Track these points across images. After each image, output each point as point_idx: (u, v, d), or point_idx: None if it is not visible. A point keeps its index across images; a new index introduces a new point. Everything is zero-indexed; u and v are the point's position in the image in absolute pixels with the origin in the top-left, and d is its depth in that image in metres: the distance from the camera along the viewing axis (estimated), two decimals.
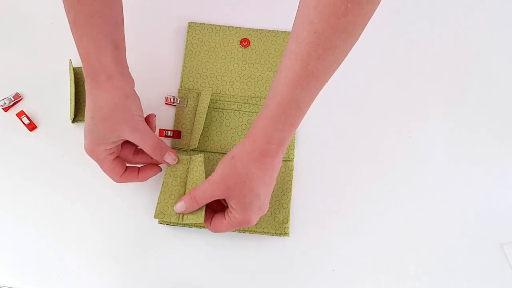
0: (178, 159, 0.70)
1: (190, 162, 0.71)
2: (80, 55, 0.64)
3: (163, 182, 0.69)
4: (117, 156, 0.68)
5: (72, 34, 0.64)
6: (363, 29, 0.55)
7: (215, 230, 0.67)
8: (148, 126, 0.68)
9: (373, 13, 0.55)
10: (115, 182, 0.69)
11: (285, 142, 0.62)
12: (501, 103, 0.82)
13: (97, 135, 0.65)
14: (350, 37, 0.55)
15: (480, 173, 0.78)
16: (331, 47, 0.54)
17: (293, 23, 0.57)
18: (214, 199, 0.66)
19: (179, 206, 0.67)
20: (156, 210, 0.68)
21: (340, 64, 0.58)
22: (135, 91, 0.67)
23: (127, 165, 0.70)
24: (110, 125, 0.64)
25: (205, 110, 0.75)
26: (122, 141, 0.67)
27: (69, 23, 0.63)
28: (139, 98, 0.67)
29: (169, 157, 0.69)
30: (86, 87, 0.65)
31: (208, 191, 0.65)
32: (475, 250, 0.74)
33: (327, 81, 0.59)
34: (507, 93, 0.83)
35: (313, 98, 0.60)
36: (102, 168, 0.68)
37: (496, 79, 0.83)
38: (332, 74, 0.59)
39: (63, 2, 0.63)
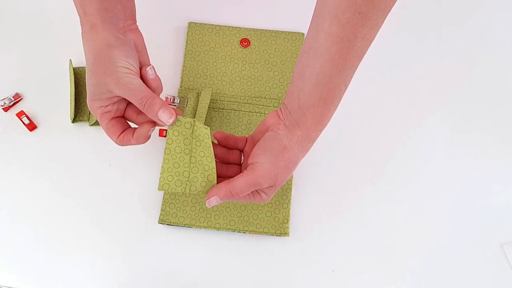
0: (178, 119, 0.61)
1: (193, 126, 0.62)
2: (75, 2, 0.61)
3: (165, 149, 0.61)
4: (118, 116, 0.63)
5: None
6: (392, 6, 0.55)
7: (239, 199, 0.62)
8: (138, 79, 0.60)
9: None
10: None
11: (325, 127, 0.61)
12: (501, 103, 0.82)
13: (90, 91, 0.61)
14: (386, 14, 0.54)
15: (480, 173, 0.78)
16: (374, 26, 0.54)
17: (322, 7, 0.55)
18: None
19: (214, 201, 0.61)
20: (160, 181, 0.61)
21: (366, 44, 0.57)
22: (124, 40, 0.61)
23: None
24: (96, 78, 0.59)
25: (205, 110, 0.75)
26: (117, 98, 0.61)
27: None
28: (130, 48, 0.61)
29: (164, 114, 0.59)
30: (84, 31, 0.61)
31: (253, 184, 0.60)
32: (475, 250, 0.74)
33: (345, 88, 0.59)
34: (507, 93, 0.83)
35: (351, 79, 0.59)
36: (104, 129, 0.63)
37: (496, 79, 0.83)
38: (351, 78, 0.59)
39: None
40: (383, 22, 0.55)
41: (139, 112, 0.62)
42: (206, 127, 0.61)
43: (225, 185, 0.60)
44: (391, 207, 0.75)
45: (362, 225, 0.74)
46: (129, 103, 0.63)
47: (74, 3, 0.60)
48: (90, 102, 0.61)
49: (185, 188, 0.61)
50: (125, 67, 0.59)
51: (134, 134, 0.62)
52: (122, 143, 0.62)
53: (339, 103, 0.60)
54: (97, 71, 0.59)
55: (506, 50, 0.85)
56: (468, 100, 0.82)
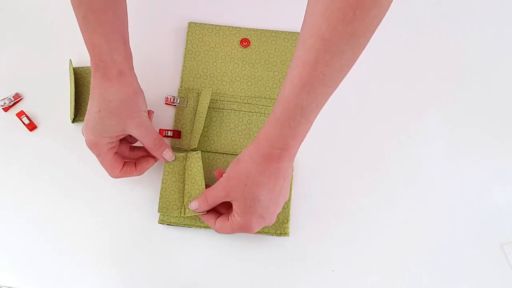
0: (175, 156, 0.73)
1: (186, 159, 0.74)
2: (89, 50, 0.65)
3: (162, 179, 0.73)
4: (116, 151, 0.70)
5: (81, 30, 0.65)
6: (371, 35, 0.55)
7: (219, 231, 0.68)
8: (151, 122, 0.70)
9: (381, 19, 0.55)
10: (113, 179, 0.70)
11: (290, 148, 0.62)
12: (500, 103, 0.82)
13: (102, 128, 0.66)
14: (357, 43, 0.54)
15: (480, 173, 0.78)
16: (338, 53, 0.54)
17: (300, 30, 0.57)
18: (221, 201, 0.67)
19: (193, 205, 0.69)
20: (158, 205, 0.72)
21: (349, 70, 0.58)
22: (140, 87, 0.69)
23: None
24: (117, 119, 0.66)
25: (205, 110, 0.75)
26: (124, 136, 0.69)
27: (79, 19, 0.64)
28: (144, 94, 0.69)
29: (167, 154, 0.72)
30: (94, 81, 0.66)
31: (215, 192, 0.67)
32: (475, 250, 0.74)
33: (335, 88, 0.59)
34: (507, 93, 0.83)
35: (320, 104, 0.60)
36: (102, 163, 0.69)
37: (496, 79, 0.83)
38: (340, 81, 0.58)
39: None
40: (353, 52, 0.56)
41: (132, 149, 0.73)
42: (197, 151, 0.73)
43: (204, 192, 0.69)
44: (391, 207, 0.75)
45: (362, 225, 0.74)
46: (121, 140, 0.70)
47: (96, 52, 0.64)
48: (98, 139, 0.66)
49: (180, 212, 0.71)
50: (145, 111, 0.69)
51: (138, 167, 0.71)
52: (122, 175, 0.70)
53: (296, 124, 0.60)
54: (121, 113, 0.66)
55: (507, 50, 0.85)
56: (468, 100, 0.82)
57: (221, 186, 0.66)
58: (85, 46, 0.65)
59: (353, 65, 0.58)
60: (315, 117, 0.61)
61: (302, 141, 0.63)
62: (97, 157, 0.69)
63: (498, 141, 0.80)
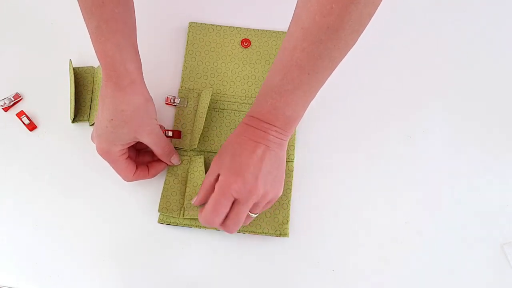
0: (180, 161, 0.75)
1: (190, 162, 0.75)
2: (101, 60, 0.65)
3: (165, 181, 0.74)
4: (128, 156, 0.71)
5: (94, 41, 0.65)
6: (354, 30, 0.58)
7: (206, 212, 0.65)
8: (160, 129, 0.72)
9: (362, 16, 0.57)
10: (113, 178, 0.71)
11: (272, 121, 0.64)
12: (501, 103, 0.82)
13: (115, 137, 0.67)
14: (335, 35, 0.57)
15: (480, 173, 0.78)
16: (316, 41, 0.58)
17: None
18: (214, 176, 0.66)
19: (194, 199, 0.70)
20: (159, 205, 0.73)
21: (333, 62, 0.61)
22: (150, 94, 0.70)
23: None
24: (130, 127, 0.67)
25: (205, 110, 0.75)
26: (134, 143, 0.70)
27: (91, 29, 0.65)
28: (153, 101, 0.70)
29: (175, 159, 0.74)
30: (105, 90, 0.66)
31: (209, 172, 0.67)
32: (475, 250, 0.74)
33: (316, 77, 0.61)
34: (507, 93, 0.83)
35: (299, 88, 0.62)
36: (115, 168, 0.70)
37: (497, 79, 0.84)
38: (322, 70, 0.61)
39: (82, 10, 0.64)
40: (332, 42, 0.58)
41: (138, 154, 0.75)
42: (200, 156, 0.75)
43: None
44: (391, 207, 0.75)
45: (362, 225, 0.74)
46: (129, 147, 0.71)
47: (108, 62, 0.65)
48: (110, 146, 0.68)
49: (179, 214, 0.72)
50: (156, 119, 0.70)
51: (152, 170, 0.73)
52: (135, 178, 0.72)
53: (272, 101, 0.64)
54: (134, 122, 0.67)
55: (507, 50, 0.86)
56: (469, 100, 0.82)
57: (213, 163, 0.67)
58: (96, 56, 0.66)
59: (338, 57, 0.61)
60: (297, 101, 0.63)
61: (287, 123, 0.64)
62: (110, 164, 0.70)
63: (498, 141, 0.80)
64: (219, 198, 0.63)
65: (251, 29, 0.83)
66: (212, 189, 0.65)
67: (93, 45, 0.66)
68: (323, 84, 0.64)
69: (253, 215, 0.67)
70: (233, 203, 0.64)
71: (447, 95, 0.82)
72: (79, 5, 0.64)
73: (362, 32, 0.59)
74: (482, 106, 0.82)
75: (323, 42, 0.58)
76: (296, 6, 0.60)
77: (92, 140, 0.70)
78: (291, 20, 0.60)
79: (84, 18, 0.65)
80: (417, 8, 0.87)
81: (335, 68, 0.62)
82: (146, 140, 0.69)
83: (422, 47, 0.85)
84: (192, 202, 0.69)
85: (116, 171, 0.70)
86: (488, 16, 0.88)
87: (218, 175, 0.65)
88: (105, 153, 0.68)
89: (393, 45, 0.84)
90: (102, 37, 0.64)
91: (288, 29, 0.61)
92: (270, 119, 0.64)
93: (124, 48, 0.65)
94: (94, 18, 0.64)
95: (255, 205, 0.65)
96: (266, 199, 0.65)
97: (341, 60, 0.62)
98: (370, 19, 0.59)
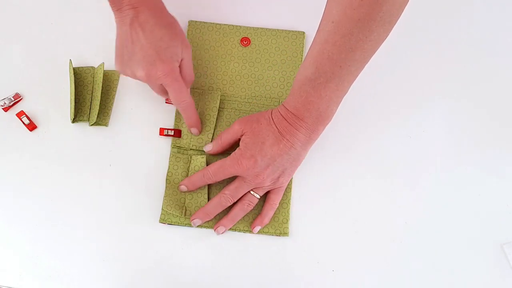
0: (177, 155, 0.76)
1: (191, 161, 0.75)
2: None
3: (166, 180, 0.74)
4: None
5: None
6: (384, 23, 0.59)
7: (212, 168, 0.71)
8: None
9: (393, 7, 0.58)
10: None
11: (303, 117, 0.67)
12: (501, 103, 0.82)
13: (172, 51, 0.69)
14: (366, 27, 0.59)
15: (480, 173, 0.77)
16: (347, 34, 0.60)
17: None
18: (233, 138, 0.72)
19: (208, 147, 0.74)
20: (163, 204, 0.73)
21: (366, 55, 0.63)
22: None
23: None
24: (179, 38, 0.70)
25: (214, 113, 0.77)
26: (179, 63, 0.71)
27: None
28: None
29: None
30: (141, 19, 0.68)
31: (230, 130, 0.72)
32: (475, 250, 0.74)
33: (349, 71, 0.64)
34: (508, 93, 0.83)
35: (331, 81, 0.64)
36: (181, 87, 0.71)
37: (497, 79, 0.83)
38: (355, 63, 0.63)
39: None
40: (362, 34, 0.60)
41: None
42: (203, 155, 0.75)
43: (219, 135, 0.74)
44: (391, 207, 0.75)
45: (362, 225, 0.74)
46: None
47: None
48: (171, 64, 0.69)
49: (182, 212, 0.73)
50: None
51: None
52: (190, 97, 0.73)
53: (305, 95, 0.66)
54: (179, 32, 0.71)
55: (507, 50, 0.85)
56: (469, 100, 0.82)
57: (237, 122, 0.71)
58: None
59: (370, 50, 0.63)
60: (330, 95, 0.66)
61: (318, 120, 0.67)
62: (174, 85, 0.70)
63: (498, 141, 0.79)
64: (227, 164, 0.69)
65: (250, 27, 0.83)
66: (229, 141, 0.72)
67: None
68: (355, 78, 0.66)
69: (256, 195, 0.71)
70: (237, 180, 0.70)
71: (447, 95, 0.82)
72: None
73: (394, 23, 0.61)
74: (482, 106, 0.81)
75: (354, 35, 0.59)
76: (327, 1, 0.62)
77: (145, 78, 0.70)
78: (322, 15, 0.62)
79: None
80: (417, 8, 0.87)
81: (367, 61, 0.65)
82: (185, 56, 0.71)
83: (422, 47, 0.85)
84: (206, 150, 0.74)
85: (179, 91, 0.70)
86: (488, 16, 0.87)
87: (239, 139, 0.71)
88: (170, 73, 0.68)
89: (393, 45, 0.84)
90: None
91: (319, 24, 0.63)
92: (304, 115, 0.67)
93: None
94: None
95: (258, 188, 0.71)
96: (269, 186, 0.71)
97: (374, 52, 0.64)
98: (402, 10, 0.60)
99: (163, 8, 0.71)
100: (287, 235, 0.73)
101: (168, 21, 0.70)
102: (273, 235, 0.73)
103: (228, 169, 0.69)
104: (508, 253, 0.73)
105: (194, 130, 0.75)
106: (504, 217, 0.75)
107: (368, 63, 0.80)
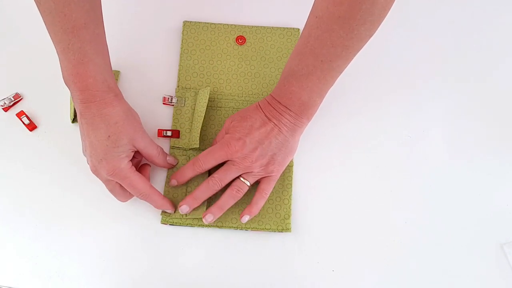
0: (178, 160, 0.76)
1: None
2: (79, 83, 0.66)
3: (166, 180, 0.75)
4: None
5: (70, 64, 0.65)
6: (365, 21, 0.59)
7: (204, 154, 0.71)
8: None
9: (373, 7, 0.58)
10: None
11: (288, 105, 0.69)
12: (501, 103, 0.81)
13: (118, 151, 0.67)
14: (347, 24, 0.60)
15: (480, 173, 0.77)
16: (328, 30, 0.61)
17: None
18: (221, 135, 0.73)
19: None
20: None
21: (347, 51, 0.63)
22: None
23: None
24: (127, 136, 0.67)
25: (203, 109, 0.75)
26: (132, 153, 0.69)
27: (72, 53, 0.65)
28: None
29: (171, 159, 0.75)
30: (89, 113, 0.66)
31: (221, 131, 0.74)
32: (475, 250, 0.73)
33: (330, 65, 0.65)
34: (508, 93, 0.82)
35: (313, 74, 0.66)
36: (132, 183, 0.68)
37: (496, 79, 0.83)
38: (335, 58, 0.64)
39: (58, 33, 0.65)
40: (343, 31, 0.61)
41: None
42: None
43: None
44: (391, 207, 0.75)
45: (362, 225, 0.74)
46: None
47: (96, 81, 0.66)
48: (117, 163, 0.67)
49: (182, 215, 0.72)
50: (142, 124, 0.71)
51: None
52: (152, 189, 0.70)
53: (288, 85, 0.69)
54: (128, 130, 0.68)
55: (507, 50, 0.85)
56: (469, 100, 0.81)
57: (226, 122, 0.73)
58: (70, 82, 0.67)
59: (352, 47, 0.63)
60: (312, 87, 0.68)
61: (302, 109, 0.69)
62: (124, 182, 0.68)
63: (498, 141, 0.79)
64: (216, 147, 0.70)
65: (245, 26, 0.83)
66: (222, 135, 0.73)
67: (68, 71, 0.66)
68: (339, 73, 0.67)
69: (246, 181, 0.70)
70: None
71: (447, 95, 0.81)
72: (52, 30, 0.65)
73: (378, 24, 0.61)
74: (482, 106, 0.81)
75: (335, 31, 0.61)
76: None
77: (93, 172, 0.69)
78: (311, 9, 0.64)
79: (58, 41, 0.65)
80: (417, 8, 0.86)
81: (351, 57, 0.65)
82: (142, 144, 0.70)
83: (422, 47, 0.84)
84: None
85: (134, 187, 0.68)
86: (488, 16, 0.86)
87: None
88: (116, 173, 0.67)
89: (393, 45, 0.84)
90: (85, 58, 0.65)
91: (307, 18, 0.65)
92: (287, 103, 0.69)
93: (105, 67, 0.67)
94: (77, 39, 0.64)
95: (248, 173, 0.70)
96: (259, 172, 0.70)
97: (357, 50, 0.64)
98: (386, 11, 0.60)
99: (113, 100, 0.67)
100: (290, 231, 0.73)
101: (118, 116, 0.67)
102: (275, 231, 0.73)
103: (218, 152, 0.70)
104: (508, 253, 0.72)
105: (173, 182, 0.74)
106: (504, 217, 0.75)
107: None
